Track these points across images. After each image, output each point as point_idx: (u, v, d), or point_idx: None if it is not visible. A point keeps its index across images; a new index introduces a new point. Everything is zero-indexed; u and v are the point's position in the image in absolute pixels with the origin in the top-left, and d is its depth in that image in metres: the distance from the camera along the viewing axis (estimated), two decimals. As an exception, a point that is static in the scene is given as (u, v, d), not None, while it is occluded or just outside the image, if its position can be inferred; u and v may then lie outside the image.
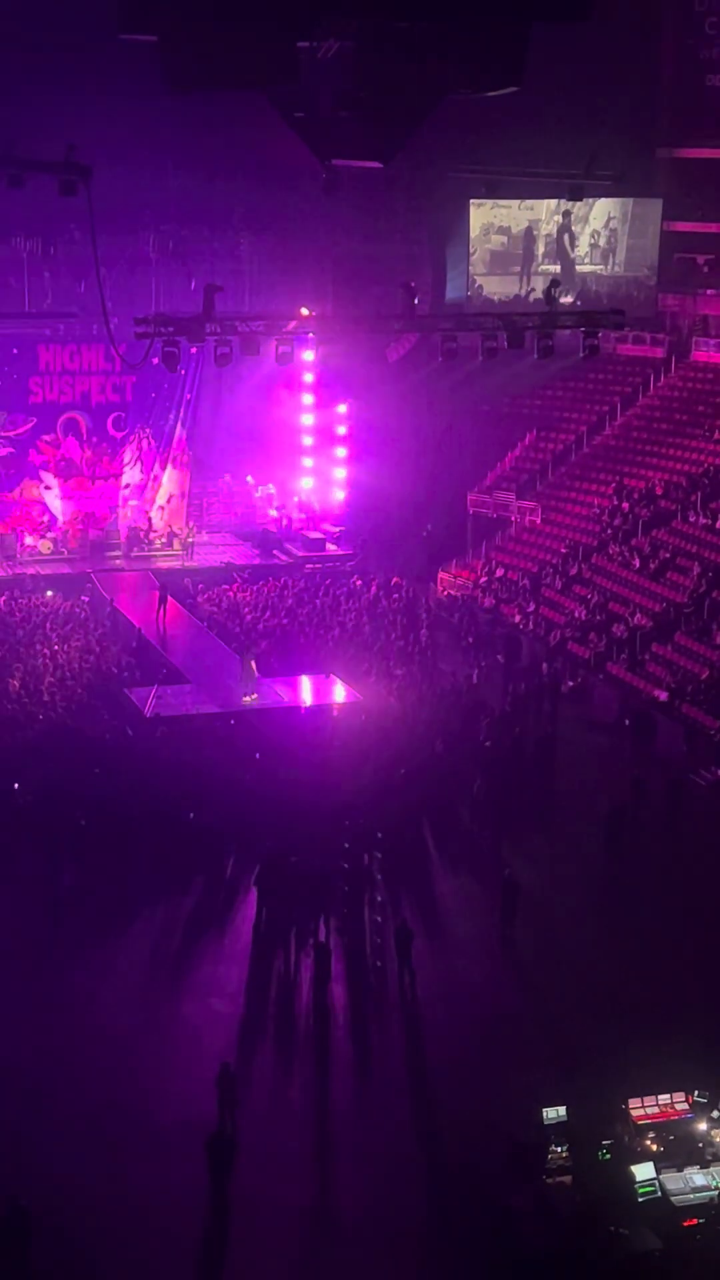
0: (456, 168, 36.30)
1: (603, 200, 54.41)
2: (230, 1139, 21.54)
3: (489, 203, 53.95)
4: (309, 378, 54.89)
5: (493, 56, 18.03)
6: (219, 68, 17.40)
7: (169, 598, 45.30)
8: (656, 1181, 20.22)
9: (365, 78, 18.68)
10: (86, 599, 46.67)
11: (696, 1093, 21.66)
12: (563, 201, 52.67)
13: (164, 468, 53.34)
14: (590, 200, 50.97)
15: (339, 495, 55.55)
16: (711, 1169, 20.56)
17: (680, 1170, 20.49)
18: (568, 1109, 21.20)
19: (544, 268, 56.09)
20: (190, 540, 51.90)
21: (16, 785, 32.27)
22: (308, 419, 55.87)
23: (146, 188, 49.43)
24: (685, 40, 56.80)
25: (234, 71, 17.50)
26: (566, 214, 55.41)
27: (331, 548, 53.10)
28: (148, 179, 49.14)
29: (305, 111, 19.84)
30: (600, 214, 55.92)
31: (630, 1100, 21.45)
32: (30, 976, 26.85)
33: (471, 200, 54.07)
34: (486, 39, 17.77)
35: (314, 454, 56.37)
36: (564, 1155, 20.72)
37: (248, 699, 38.52)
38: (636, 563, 45.58)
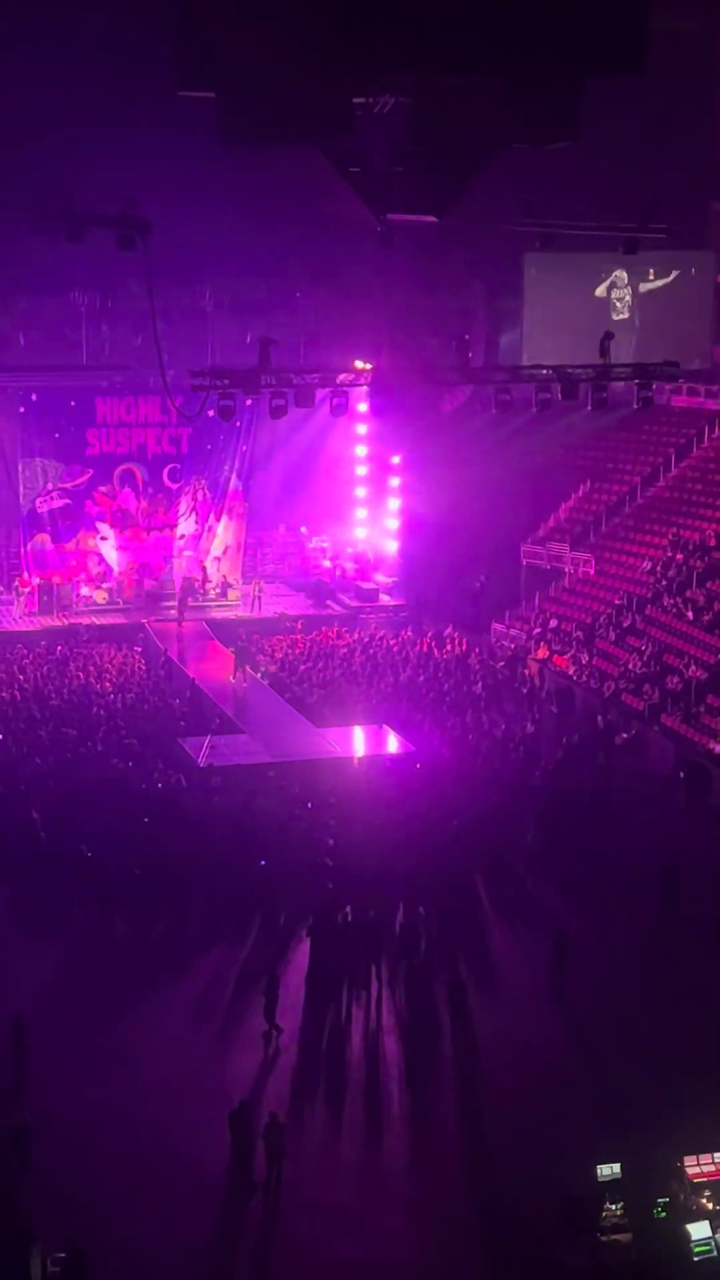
0: (511, 221, 36.44)
1: (653, 252, 54.55)
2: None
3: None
4: (363, 430, 55.18)
5: (547, 110, 18.04)
6: (275, 123, 17.52)
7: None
8: (712, 1240, 19.98)
9: (420, 132, 18.76)
10: (140, 649, 46.91)
11: (753, 1151, 21.39)
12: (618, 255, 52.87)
13: (219, 518, 53.69)
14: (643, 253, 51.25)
15: (392, 546, 55.71)
16: (767, 1228, 20.29)
17: (737, 1229, 20.23)
18: (622, 1166, 20.97)
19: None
20: (258, 592, 52.06)
21: (69, 835, 32.35)
22: (361, 470, 56.14)
23: (203, 241, 49.99)
24: (739, 94, 57.06)
25: (290, 127, 17.61)
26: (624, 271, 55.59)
27: (385, 598, 53.23)
28: (205, 233, 49.68)
29: (360, 166, 19.95)
30: (651, 266, 56.03)
31: (686, 1158, 21.18)
32: (84, 1025, 26.86)
33: (526, 253, 54.28)
34: (540, 92, 17.79)
35: (368, 505, 56.61)
36: (619, 1213, 20.49)
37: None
38: (691, 614, 45.37)
